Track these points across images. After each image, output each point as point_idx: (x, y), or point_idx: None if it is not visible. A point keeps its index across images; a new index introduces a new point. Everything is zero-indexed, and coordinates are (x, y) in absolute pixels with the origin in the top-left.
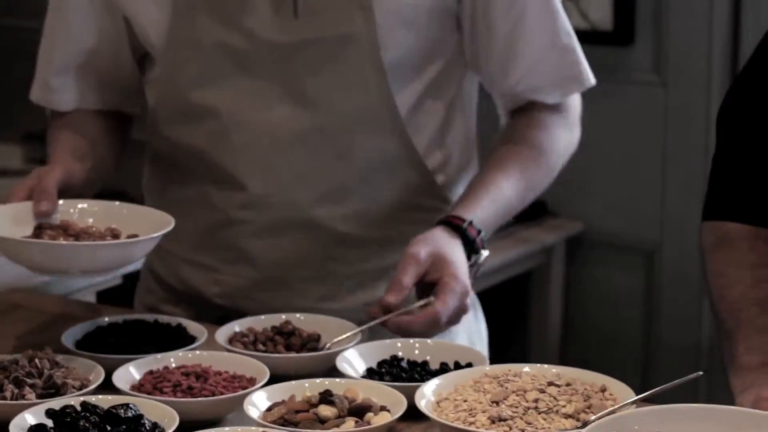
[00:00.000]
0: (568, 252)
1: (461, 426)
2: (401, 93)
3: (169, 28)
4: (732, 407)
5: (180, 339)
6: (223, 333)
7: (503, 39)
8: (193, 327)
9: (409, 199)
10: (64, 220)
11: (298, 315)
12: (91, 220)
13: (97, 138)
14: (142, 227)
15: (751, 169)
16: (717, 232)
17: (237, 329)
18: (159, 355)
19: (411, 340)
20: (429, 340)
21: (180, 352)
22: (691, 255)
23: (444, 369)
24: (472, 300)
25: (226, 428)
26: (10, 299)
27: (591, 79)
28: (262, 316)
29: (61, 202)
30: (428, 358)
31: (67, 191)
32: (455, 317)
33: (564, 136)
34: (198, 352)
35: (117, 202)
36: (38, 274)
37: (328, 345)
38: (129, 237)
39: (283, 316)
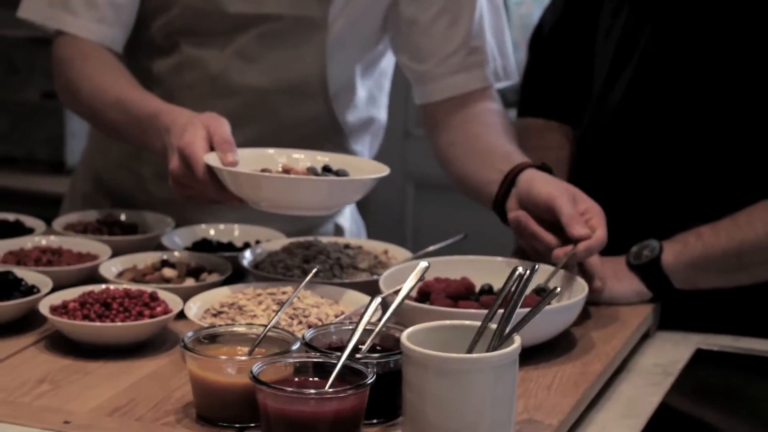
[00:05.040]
0: None
1: None
2: (337, 70)
3: None
4: (484, 257)
5: (21, 230)
6: (59, 222)
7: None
8: (30, 221)
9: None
10: (285, 164)
11: (120, 211)
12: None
13: None
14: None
15: (550, 79)
16: (519, 124)
17: (69, 221)
18: (14, 240)
19: None
20: None
21: (32, 237)
22: None
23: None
24: None
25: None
26: None
27: (490, 81)
28: (90, 211)
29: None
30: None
31: None
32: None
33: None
34: (45, 236)
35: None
36: (266, 210)
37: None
38: None
39: (108, 211)
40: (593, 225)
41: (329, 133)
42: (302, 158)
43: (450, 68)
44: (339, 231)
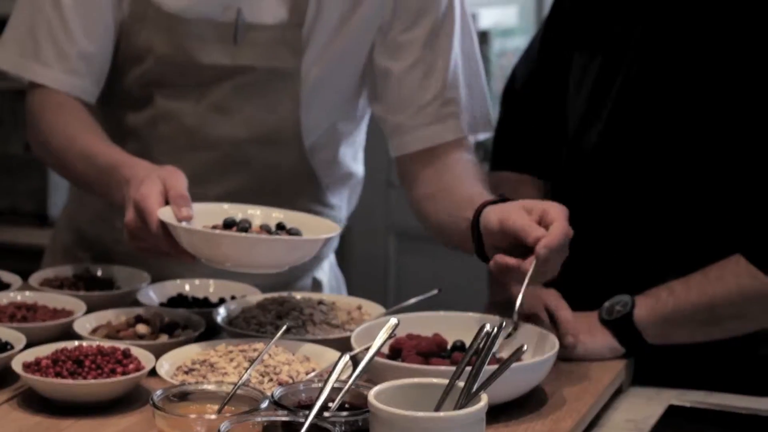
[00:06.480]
0: None
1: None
2: (313, 120)
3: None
4: (457, 312)
5: None
6: (35, 278)
7: (400, 84)
8: (6, 276)
9: (299, 203)
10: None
11: (96, 266)
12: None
13: None
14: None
15: (522, 132)
16: (492, 178)
17: (46, 276)
18: None
19: None
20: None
21: (7, 293)
22: None
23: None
24: None
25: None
26: None
27: (464, 132)
28: (66, 266)
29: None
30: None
31: None
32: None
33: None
34: (20, 292)
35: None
36: (216, 267)
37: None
38: None
39: (84, 266)
40: (550, 220)
41: (305, 185)
42: (258, 214)
43: (424, 120)
44: (317, 285)
